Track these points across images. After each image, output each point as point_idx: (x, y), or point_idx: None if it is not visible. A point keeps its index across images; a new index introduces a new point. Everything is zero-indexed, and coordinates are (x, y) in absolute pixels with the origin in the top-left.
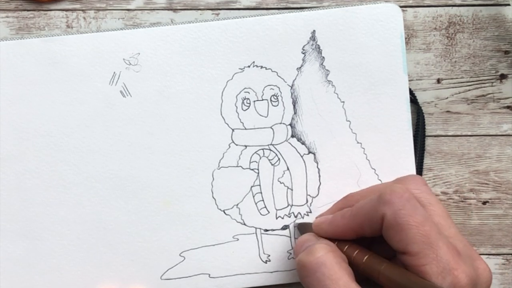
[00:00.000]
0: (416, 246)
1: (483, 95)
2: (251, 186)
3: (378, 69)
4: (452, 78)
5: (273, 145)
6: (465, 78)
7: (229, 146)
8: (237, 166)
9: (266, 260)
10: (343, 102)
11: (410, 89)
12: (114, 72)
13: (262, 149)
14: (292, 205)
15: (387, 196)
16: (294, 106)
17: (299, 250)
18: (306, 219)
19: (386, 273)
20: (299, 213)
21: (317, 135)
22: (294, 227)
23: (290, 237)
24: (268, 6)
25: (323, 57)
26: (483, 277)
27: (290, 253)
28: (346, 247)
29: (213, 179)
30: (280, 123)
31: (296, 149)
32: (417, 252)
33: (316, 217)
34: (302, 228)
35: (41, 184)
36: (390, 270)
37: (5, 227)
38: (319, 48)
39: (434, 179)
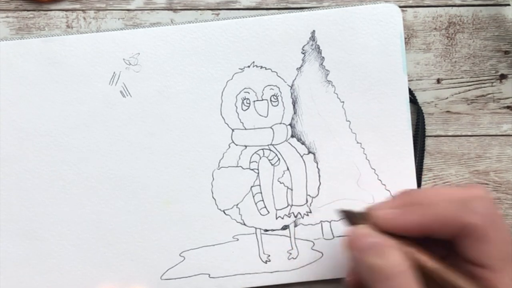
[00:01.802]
0: (500, 263)
1: (483, 95)
2: (251, 186)
3: (377, 69)
4: (452, 78)
5: (273, 145)
6: (465, 78)
7: (229, 146)
8: (237, 166)
9: (266, 260)
10: (343, 102)
11: (410, 89)
12: (114, 72)
13: (262, 149)
14: (292, 205)
15: (475, 204)
16: (294, 106)
17: (359, 245)
18: (306, 219)
19: None
20: (299, 213)
21: (317, 135)
22: (296, 226)
23: (290, 237)
24: (268, 6)
25: (323, 57)
26: None
27: (290, 253)
28: (414, 252)
29: (213, 179)
30: (280, 123)
31: (296, 149)
32: (501, 269)
33: (374, 208)
34: (351, 217)
35: (41, 184)
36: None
37: (5, 227)
38: (319, 48)
39: (434, 179)
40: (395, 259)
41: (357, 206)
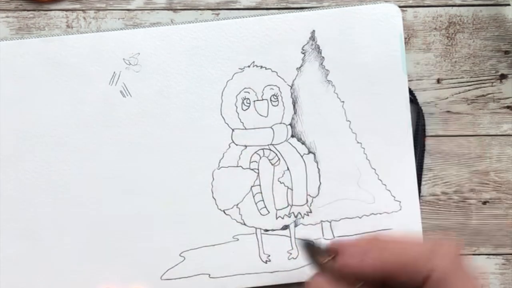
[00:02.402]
0: None
1: (483, 95)
2: (251, 186)
3: (377, 69)
4: (452, 78)
5: (273, 145)
6: (465, 78)
7: (229, 146)
8: (237, 166)
9: (266, 260)
10: (343, 102)
11: (410, 89)
12: (114, 72)
13: (262, 149)
14: (292, 205)
15: (442, 252)
16: (294, 106)
17: None
18: (306, 219)
19: None
20: (299, 213)
21: (317, 135)
22: (296, 226)
23: (290, 237)
24: (268, 6)
25: (323, 57)
26: None
27: (290, 253)
28: None
29: (213, 179)
30: (280, 123)
31: (296, 149)
32: None
33: (338, 245)
34: (311, 251)
35: (41, 184)
36: None
37: (5, 227)
38: (318, 48)
39: (434, 179)
40: None
41: (321, 240)
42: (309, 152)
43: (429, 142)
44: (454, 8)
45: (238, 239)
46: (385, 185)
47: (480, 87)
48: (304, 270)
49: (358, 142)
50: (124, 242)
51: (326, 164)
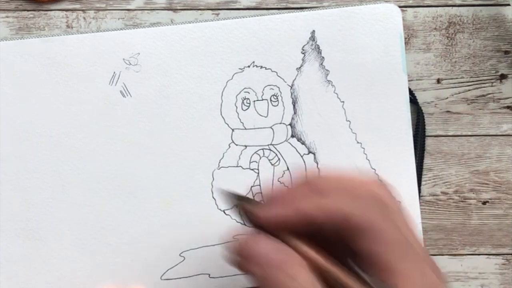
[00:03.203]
0: (398, 263)
1: (483, 95)
2: (251, 186)
3: (377, 69)
4: (452, 78)
5: (273, 145)
6: (465, 78)
7: (229, 146)
8: (237, 166)
9: None
10: (343, 102)
11: (410, 89)
12: (114, 72)
13: (262, 149)
14: None
15: (366, 192)
16: (294, 106)
17: (265, 262)
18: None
19: None
20: None
21: (317, 135)
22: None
23: None
24: (268, 6)
25: (323, 57)
26: None
27: None
28: (308, 250)
29: (213, 179)
30: (280, 123)
31: (296, 149)
32: (397, 270)
33: (265, 197)
34: (237, 200)
35: (41, 184)
36: None
37: (5, 227)
38: (318, 48)
39: (434, 179)
40: (306, 281)
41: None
42: (309, 152)
43: (429, 142)
44: (454, 8)
45: (238, 240)
46: None
47: (480, 87)
48: None
49: (358, 142)
50: (124, 242)
51: (326, 164)
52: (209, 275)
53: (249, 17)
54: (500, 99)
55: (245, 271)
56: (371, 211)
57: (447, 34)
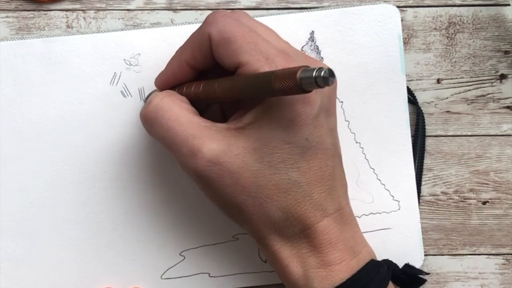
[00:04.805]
0: (247, 55)
1: (483, 95)
2: None
3: (376, 69)
4: (452, 78)
5: None
6: (465, 78)
7: None
8: None
9: (266, 260)
10: (342, 102)
11: (409, 89)
12: (115, 73)
13: None
14: None
15: (210, 17)
16: None
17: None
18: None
19: (220, 88)
20: None
21: None
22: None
23: None
24: (268, 6)
25: (322, 58)
26: None
27: None
28: (185, 88)
29: None
30: None
31: None
32: (248, 60)
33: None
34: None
35: (41, 184)
36: (223, 83)
37: (5, 227)
38: (318, 48)
39: (434, 179)
40: (157, 102)
41: None
42: None
43: (429, 142)
44: (454, 8)
45: (238, 239)
46: (384, 184)
47: (480, 87)
48: None
49: (357, 142)
50: (124, 242)
51: None
52: (209, 274)
53: None
54: (500, 99)
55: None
56: (223, 24)
57: (447, 34)
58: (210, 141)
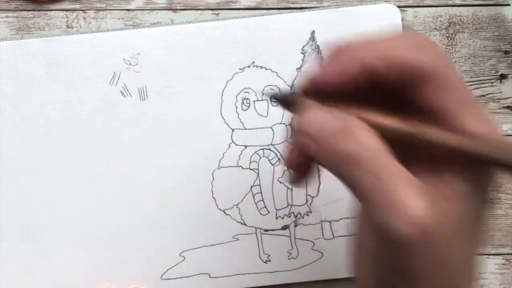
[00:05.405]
0: (464, 107)
1: (483, 95)
2: (251, 186)
3: None
4: None
5: (273, 145)
6: (465, 78)
7: (229, 146)
8: (237, 166)
9: (266, 260)
10: None
11: None
12: (114, 72)
13: (262, 149)
14: (292, 205)
15: (427, 45)
16: None
17: (322, 132)
18: (306, 219)
19: (454, 141)
20: (299, 213)
21: None
22: (296, 225)
23: (290, 237)
24: (268, 6)
25: (323, 58)
26: None
27: (290, 253)
28: (372, 114)
29: (213, 179)
30: (280, 123)
31: None
32: (464, 114)
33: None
34: (287, 100)
35: (41, 184)
36: (452, 136)
37: (5, 227)
38: (318, 48)
39: None
40: (366, 139)
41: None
42: None
43: None
44: (454, 8)
45: (238, 239)
46: None
47: (480, 87)
48: (304, 270)
49: None
50: (124, 242)
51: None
52: (209, 274)
53: (249, 17)
54: (500, 99)
55: (302, 148)
56: (434, 57)
57: (447, 34)
58: (417, 198)
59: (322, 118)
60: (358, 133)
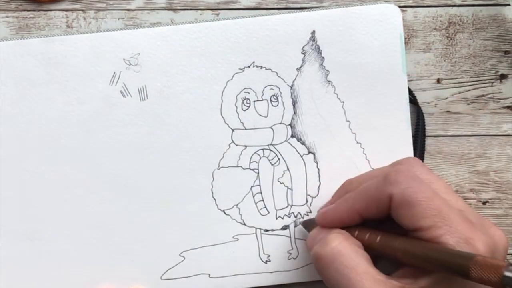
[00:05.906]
0: (429, 220)
1: (483, 95)
2: (251, 186)
3: (377, 69)
4: (452, 78)
5: (273, 145)
6: (465, 78)
7: (229, 146)
8: (237, 166)
9: (266, 260)
10: (343, 102)
11: (409, 89)
12: (114, 72)
13: (262, 149)
14: (292, 205)
15: (393, 177)
16: (294, 106)
17: (312, 245)
18: (306, 219)
19: (402, 247)
20: (299, 213)
21: (317, 135)
22: (296, 226)
23: (290, 237)
24: (268, 6)
25: (323, 57)
26: (500, 244)
27: (290, 253)
28: (356, 232)
29: (213, 179)
30: (280, 123)
31: (296, 149)
32: (430, 226)
33: (318, 211)
34: (308, 225)
35: (41, 184)
36: (406, 244)
37: (5, 227)
38: (319, 48)
39: None
40: (335, 244)
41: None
42: (309, 152)
43: (429, 142)
44: (454, 8)
45: (238, 239)
46: None
47: (480, 87)
48: (304, 270)
49: (357, 142)
50: (124, 242)
51: (326, 164)
52: (209, 275)
53: (249, 17)
54: (500, 99)
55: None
56: (403, 186)
57: (447, 34)
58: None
59: (314, 234)
60: (329, 239)
